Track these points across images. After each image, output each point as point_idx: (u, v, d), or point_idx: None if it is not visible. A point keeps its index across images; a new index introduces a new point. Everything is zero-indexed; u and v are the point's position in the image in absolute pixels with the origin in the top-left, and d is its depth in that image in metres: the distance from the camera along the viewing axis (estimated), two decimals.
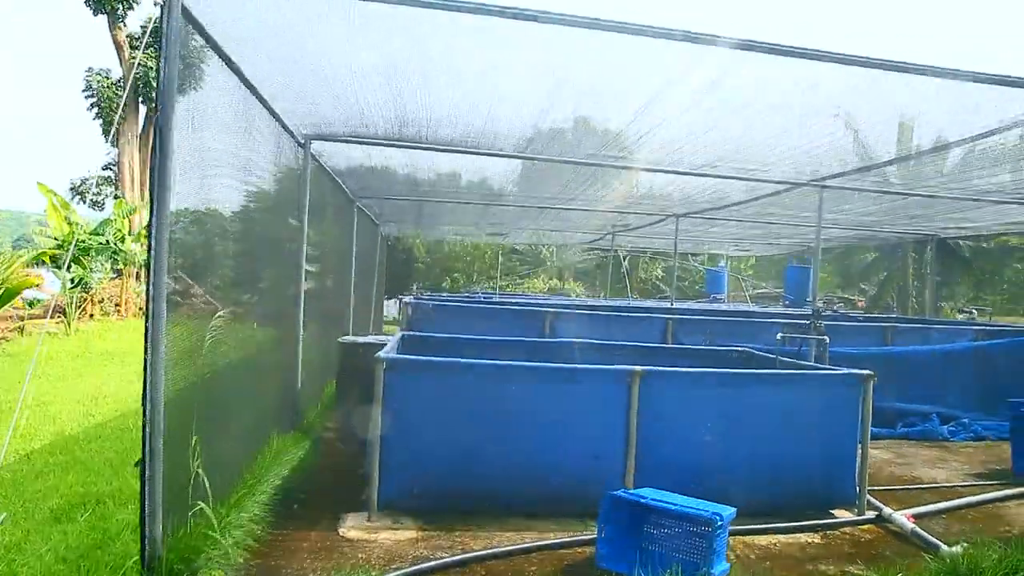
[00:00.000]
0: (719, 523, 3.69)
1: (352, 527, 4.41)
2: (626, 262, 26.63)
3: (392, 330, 18.63)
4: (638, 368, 4.75)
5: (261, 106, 5.13)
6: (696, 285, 30.45)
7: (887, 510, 4.92)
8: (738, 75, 4.73)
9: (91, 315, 16.31)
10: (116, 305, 17.41)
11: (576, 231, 16.91)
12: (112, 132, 21.14)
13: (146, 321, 3.17)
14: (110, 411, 7.40)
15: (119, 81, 21.35)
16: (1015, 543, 4.24)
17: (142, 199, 21.32)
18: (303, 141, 6.63)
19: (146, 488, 3.03)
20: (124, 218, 18.05)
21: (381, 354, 4.55)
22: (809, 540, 4.59)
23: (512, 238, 20.40)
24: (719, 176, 7.84)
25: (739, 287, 26.16)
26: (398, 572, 3.67)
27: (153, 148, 3.17)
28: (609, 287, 18.75)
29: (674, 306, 12.36)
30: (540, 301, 12.75)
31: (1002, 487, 5.88)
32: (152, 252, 3.12)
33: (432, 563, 3.84)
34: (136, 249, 19.02)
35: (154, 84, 20.92)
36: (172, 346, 3.36)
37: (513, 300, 13.37)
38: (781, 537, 4.57)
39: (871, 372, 5.03)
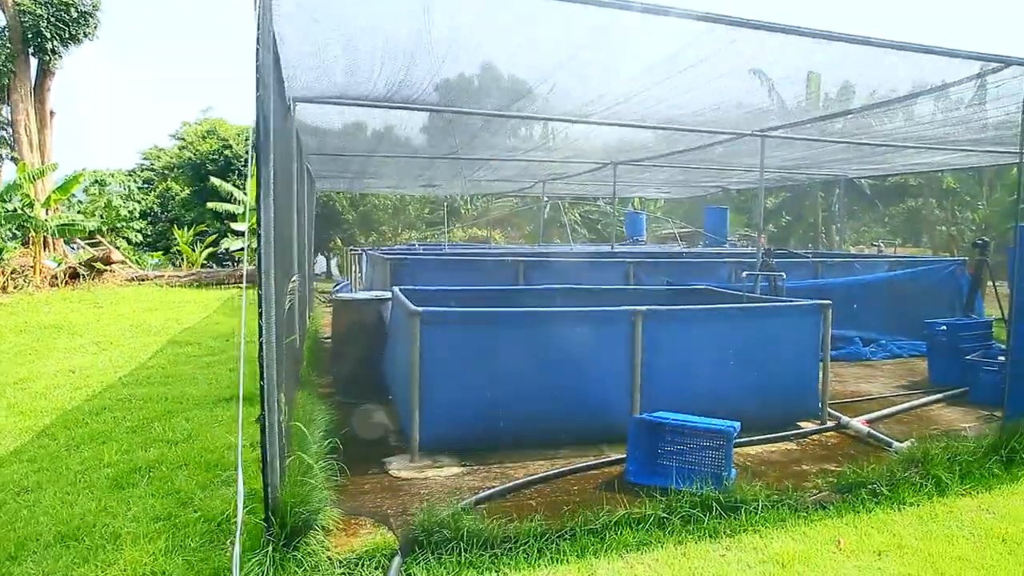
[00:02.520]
0: (733, 435, 4.39)
1: (400, 469, 4.85)
2: (547, 209, 27.29)
3: (326, 287, 18.64)
4: (641, 307, 5.35)
5: None
6: (607, 228, 31.65)
7: (845, 418, 5.82)
8: (681, 43, 5.16)
9: (3, 287, 15.42)
10: (26, 277, 16.42)
11: (508, 180, 17.32)
12: (3, 88, 19.49)
13: (259, 289, 3.42)
14: (95, 384, 7.37)
15: (4, 30, 19.59)
16: (949, 435, 5.21)
17: (43, 161, 19.95)
18: (290, 103, 6.70)
19: (266, 441, 3.34)
20: (30, 183, 16.92)
21: (418, 308, 4.90)
22: (789, 448, 5.42)
23: (444, 190, 20.54)
24: (664, 128, 8.43)
25: (654, 229, 27.42)
26: (476, 496, 4.15)
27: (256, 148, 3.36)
28: (541, 234, 19.32)
29: (615, 249, 13.08)
30: (506, 251, 13.14)
31: (924, 394, 6.96)
32: (261, 232, 3.35)
33: (495, 489, 4.36)
34: (47, 216, 17.94)
35: (46, 34, 19.46)
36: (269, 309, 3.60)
37: (472, 251, 13.67)
38: (766, 447, 5.37)
39: (829, 301, 5.85)
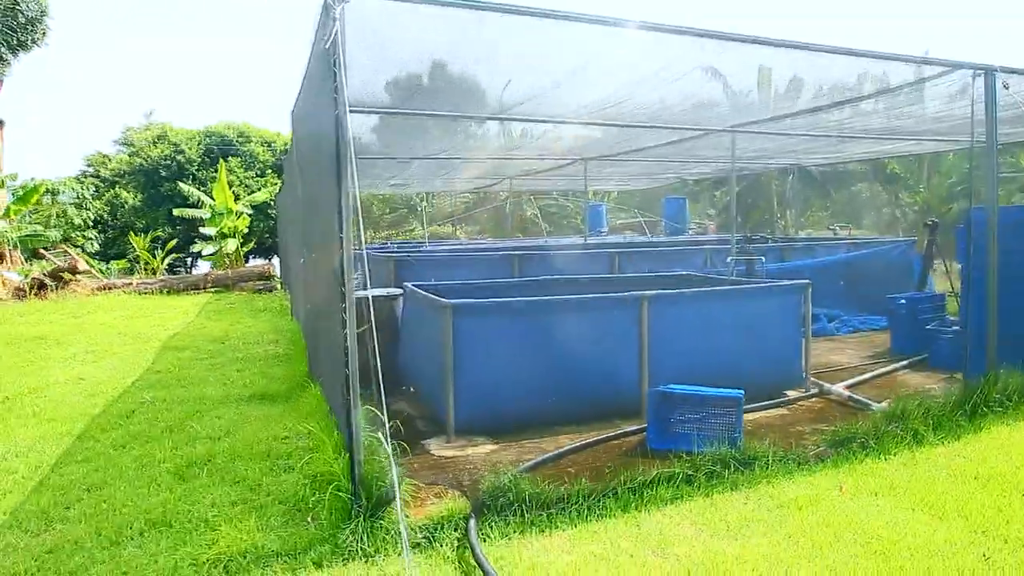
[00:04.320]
0: (742, 401, 4.97)
1: (439, 449, 5.28)
2: (508, 204, 27.79)
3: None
4: (647, 292, 5.91)
5: None
6: (564, 220, 32.43)
7: (827, 385, 6.50)
8: (642, 50, 5.64)
9: None
10: None
11: (478, 177, 17.72)
12: None
13: (342, 289, 3.78)
14: (109, 390, 7.55)
15: None
16: (921, 395, 5.91)
17: None
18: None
19: (352, 424, 3.74)
20: None
21: (450, 301, 5.34)
22: (781, 413, 6.05)
23: (414, 188, 20.81)
24: (633, 126, 8.98)
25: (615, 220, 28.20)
26: (524, 466, 4.61)
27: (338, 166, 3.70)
28: (512, 228, 19.80)
29: (591, 241, 13.68)
30: (500, 247, 13.48)
31: (889, 362, 7.72)
32: (343, 237, 3.71)
33: (537, 460, 4.85)
34: (4, 227, 17.58)
35: None
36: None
37: (468, 248, 13.99)
38: (761, 413, 5.99)
39: (809, 282, 6.51)
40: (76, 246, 24.40)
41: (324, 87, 3.82)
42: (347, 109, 3.44)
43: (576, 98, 7.31)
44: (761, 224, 20.50)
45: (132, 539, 3.94)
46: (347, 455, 4.15)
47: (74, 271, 17.13)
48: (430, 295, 5.80)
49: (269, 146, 33.11)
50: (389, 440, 3.91)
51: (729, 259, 7.97)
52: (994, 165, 5.96)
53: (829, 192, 18.79)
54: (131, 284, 17.98)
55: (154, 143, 30.92)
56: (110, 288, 17.64)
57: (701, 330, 6.14)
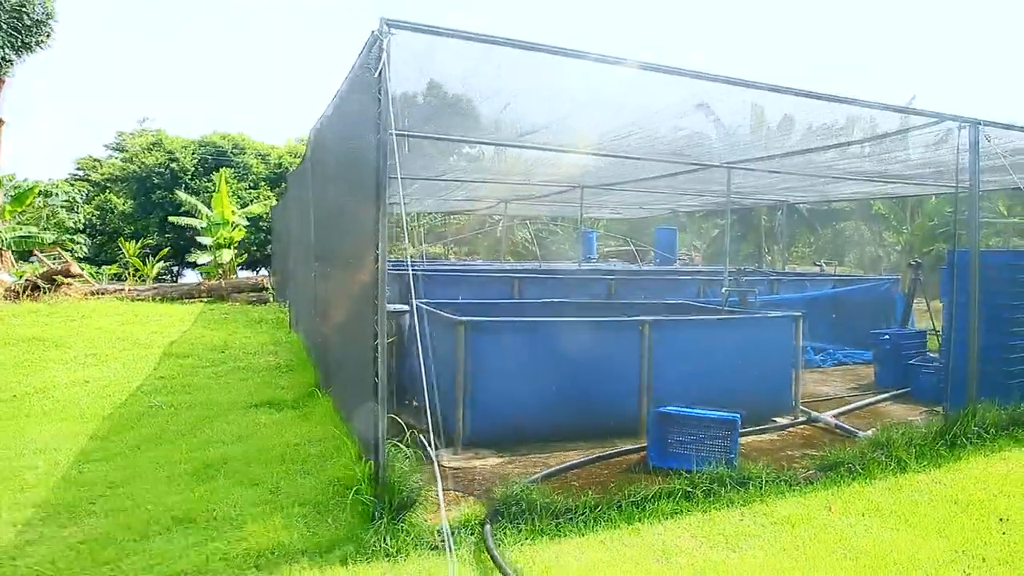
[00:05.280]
0: (739, 424, 5.25)
1: (448, 460, 5.49)
2: (501, 227, 28.18)
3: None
4: (648, 318, 6.20)
5: None
6: (554, 246, 32.87)
7: (815, 413, 6.81)
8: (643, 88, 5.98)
9: None
10: None
11: (473, 200, 18.04)
12: None
13: (376, 302, 4.03)
14: (115, 393, 7.68)
15: None
16: (904, 425, 6.23)
17: None
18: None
19: (378, 432, 3.97)
20: None
21: (463, 319, 5.59)
22: (772, 438, 6.34)
23: (412, 207, 21.07)
24: (634, 158, 9.35)
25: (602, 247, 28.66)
26: (532, 478, 4.84)
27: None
28: (504, 252, 20.12)
29: (582, 267, 14.00)
30: (501, 268, 13.70)
31: (874, 394, 8.05)
32: (379, 255, 3.96)
33: (544, 472, 5.09)
34: (1, 228, 17.59)
35: None
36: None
37: (472, 268, 14.20)
38: (754, 437, 6.27)
39: (801, 314, 6.83)
40: (66, 250, 24.37)
41: (365, 111, 4.09)
42: (393, 134, 3.71)
43: (582, 130, 7.68)
44: (748, 257, 20.99)
45: (160, 534, 4.12)
46: (368, 461, 4.37)
47: (67, 274, 17.13)
48: (442, 312, 6.05)
49: (263, 159, 33.30)
50: (432, 444, 4.15)
51: (724, 290, 8.30)
52: (976, 211, 6.35)
53: (816, 228, 19.36)
54: (123, 290, 18.00)
55: (149, 150, 31.01)
56: (102, 293, 17.65)
57: (699, 356, 6.43)
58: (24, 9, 19.53)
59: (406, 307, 7.55)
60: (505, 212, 19.36)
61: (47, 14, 20.24)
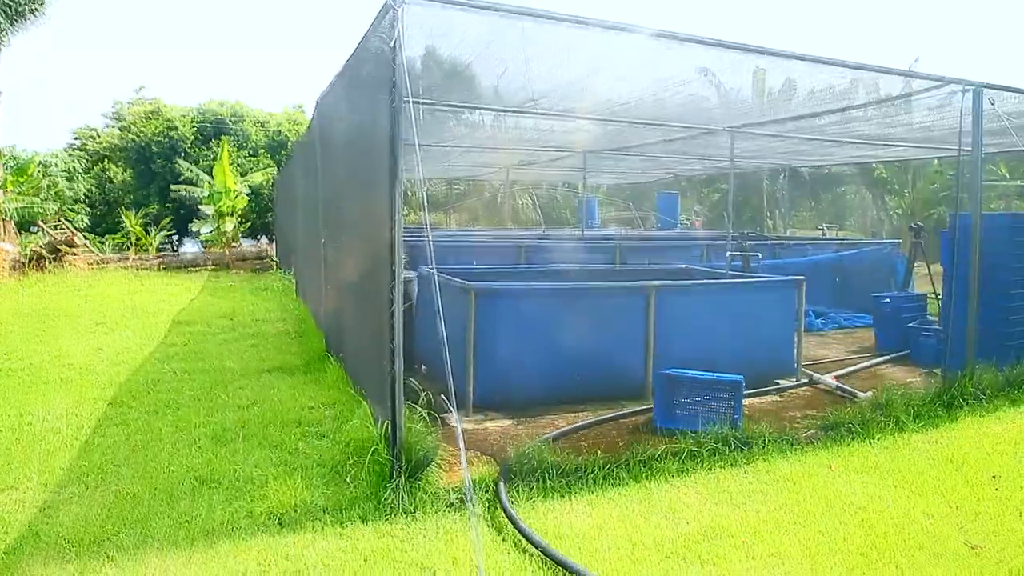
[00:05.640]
0: (742, 386, 5.39)
1: (458, 421, 5.65)
2: (502, 193, 28.13)
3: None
4: (655, 282, 6.31)
5: None
6: (554, 212, 32.84)
7: (816, 375, 6.95)
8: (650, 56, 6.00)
9: None
10: None
11: (476, 166, 18.02)
12: None
13: (392, 269, 4.11)
14: (130, 360, 7.83)
15: None
16: (903, 387, 6.38)
17: None
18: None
19: (396, 393, 4.10)
20: None
21: (473, 285, 5.70)
22: (774, 399, 6.50)
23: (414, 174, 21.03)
24: (638, 123, 9.36)
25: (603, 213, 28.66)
26: (546, 436, 4.99)
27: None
28: (506, 218, 20.15)
29: (584, 234, 14.08)
30: (509, 236, 13.70)
31: (872, 357, 8.20)
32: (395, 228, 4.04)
33: (554, 433, 5.26)
34: (2, 198, 17.60)
35: None
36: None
37: (479, 236, 14.19)
38: (756, 399, 6.42)
39: (803, 277, 6.94)
40: (67, 220, 24.39)
41: (380, 81, 4.13)
42: (411, 102, 3.76)
43: (591, 96, 7.69)
44: (749, 222, 21.02)
45: (185, 494, 4.28)
46: (384, 423, 4.51)
47: (71, 245, 17.23)
48: (454, 279, 6.15)
49: (262, 126, 33.04)
50: (453, 405, 4.27)
51: (728, 254, 8.40)
52: (979, 175, 6.41)
53: (818, 193, 19.38)
54: (127, 260, 18.12)
55: (147, 119, 30.77)
56: (106, 263, 17.78)
57: (703, 320, 6.55)
58: None
59: (413, 273, 7.66)
60: (507, 179, 19.35)
61: None
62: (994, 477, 4.74)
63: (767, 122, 9.08)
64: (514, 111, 8.08)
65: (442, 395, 5.93)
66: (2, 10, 19.27)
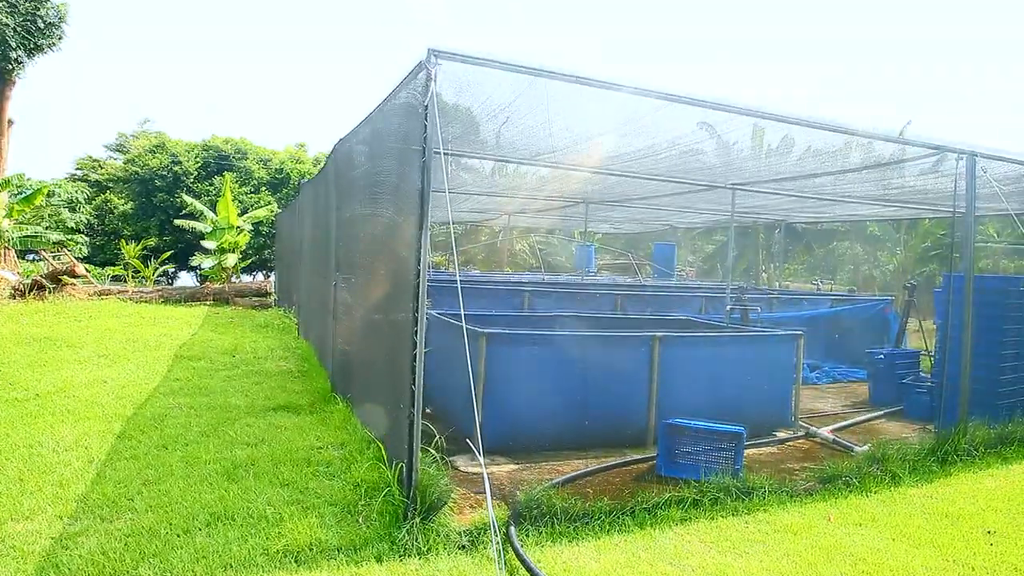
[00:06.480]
0: (744, 436, 5.53)
1: (465, 465, 5.75)
2: (501, 238, 28.53)
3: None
4: (658, 333, 6.48)
5: None
6: (550, 259, 33.24)
7: (813, 428, 7.09)
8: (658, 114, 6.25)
9: None
10: None
11: (476, 212, 18.34)
12: None
13: (415, 314, 4.28)
14: (134, 394, 7.88)
15: None
16: (898, 441, 6.53)
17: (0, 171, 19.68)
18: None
19: (413, 437, 4.23)
20: None
21: (484, 330, 5.86)
22: (772, 451, 6.62)
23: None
24: (643, 178, 9.67)
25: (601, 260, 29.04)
26: (555, 481, 5.09)
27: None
28: (504, 263, 20.39)
29: (584, 280, 14.29)
30: (513, 281, 13.92)
31: (868, 411, 8.36)
32: (420, 267, 4.22)
33: (560, 479, 5.35)
34: (7, 226, 17.77)
35: (12, 43, 19.28)
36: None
37: (484, 280, 14.42)
38: (755, 450, 6.55)
39: (802, 331, 7.14)
40: (67, 250, 24.53)
41: (411, 134, 4.36)
42: (442, 154, 3.99)
43: (597, 150, 7.99)
44: (743, 274, 21.35)
45: (201, 529, 4.35)
46: (398, 464, 4.62)
47: (73, 274, 17.31)
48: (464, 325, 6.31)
49: (264, 164, 33.56)
50: (480, 450, 4.39)
51: (728, 307, 8.61)
52: (972, 237, 6.68)
53: (811, 247, 19.79)
54: (127, 291, 18.18)
55: (152, 152, 31.20)
56: (106, 294, 17.83)
57: (704, 370, 6.72)
58: (38, 12, 19.80)
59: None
60: (508, 224, 19.67)
61: (60, 17, 20.51)
62: (989, 532, 4.87)
63: (768, 180, 9.39)
64: (529, 162, 8.35)
65: (444, 437, 6.05)
66: (22, 44, 19.76)
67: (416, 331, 4.24)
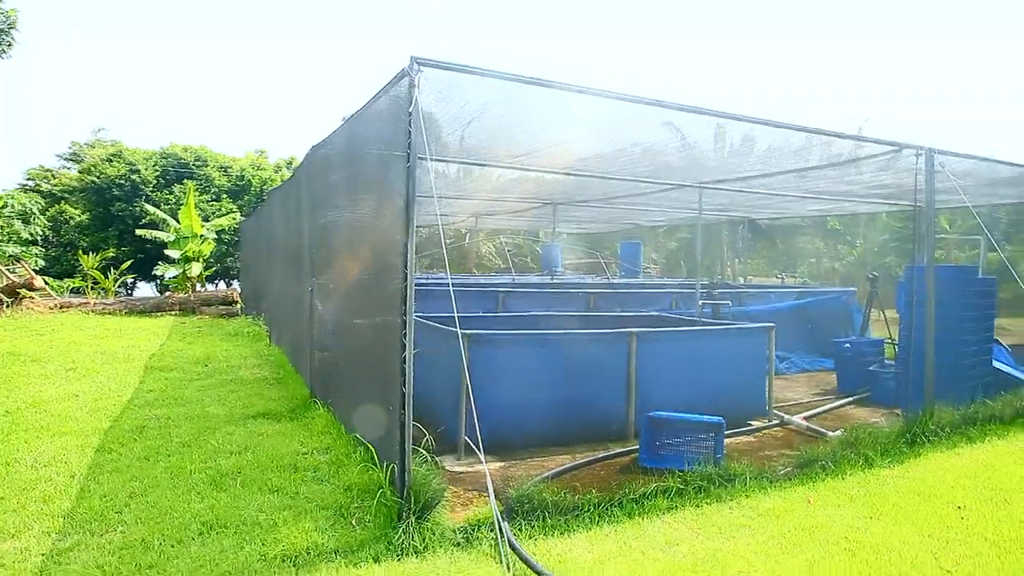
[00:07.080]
0: (724, 427, 5.70)
1: (452, 465, 5.81)
2: (467, 240, 28.54)
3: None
4: (635, 329, 6.62)
5: None
6: (518, 259, 33.41)
7: (787, 416, 7.31)
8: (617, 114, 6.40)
9: None
10: None
11: (446, 215, 18.36)
12: None
13: (403, 316, 4.32)
14: (109, 407, 7.74)
15: None
16: (869, 426, 6.78)
17: None
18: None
19: (405, 438, 4.27)
20: None
21: (467, 331, 5.92)
22: (749, 439, 6.82)
23: None
24: (610, 178, 9.84)
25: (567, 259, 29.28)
26: (544, 475, 5.17)
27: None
28: (471, 265, 20.44)
29: (554, 280, 14.44)
30: (487, 282, 13.97)
31: (837, 399, 8.64)
32: (407, 272, 4.28)
33: (547, 474, 5.44)
34: None
35: None
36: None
37: (459, 282, 14.41)
38: (733, 439, 6.73)
39: (773, 324, 7.35)
40: (24, 262, 23.81)
41: (394, 140, 4.41)
42: (429, 159, 4.05)
43: (566, 152, 8.11)
44: (708, 270, 21.75)
45: (194, 539, 4.33)
46: (390, 465, 4.66)
47: (31, 288, 16.83)
48: (445, 326, 6.37)
49: (225, 171, 33.04)
50: (481, 452, 4.44)
51: (700, 303, 8.82)
52: (932, 229, 6.97)
53: (775, 242, 20.29)
54: (89, 303, 17.75)
55: (109, 161, 30.47)
56: (67, 307, 17.39)
57: (681, 364, 6.88)
58: None
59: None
60: (475, 225, 19.74)
61: (9, 24, 19.93)
62: (959, 507, 5.11)
63: (732, 179, 9.63)
64: (507, 166, 8.43)
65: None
66: None
67: (405, 334, 4.28)
